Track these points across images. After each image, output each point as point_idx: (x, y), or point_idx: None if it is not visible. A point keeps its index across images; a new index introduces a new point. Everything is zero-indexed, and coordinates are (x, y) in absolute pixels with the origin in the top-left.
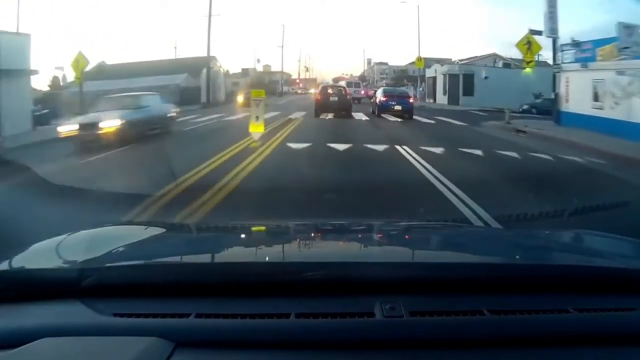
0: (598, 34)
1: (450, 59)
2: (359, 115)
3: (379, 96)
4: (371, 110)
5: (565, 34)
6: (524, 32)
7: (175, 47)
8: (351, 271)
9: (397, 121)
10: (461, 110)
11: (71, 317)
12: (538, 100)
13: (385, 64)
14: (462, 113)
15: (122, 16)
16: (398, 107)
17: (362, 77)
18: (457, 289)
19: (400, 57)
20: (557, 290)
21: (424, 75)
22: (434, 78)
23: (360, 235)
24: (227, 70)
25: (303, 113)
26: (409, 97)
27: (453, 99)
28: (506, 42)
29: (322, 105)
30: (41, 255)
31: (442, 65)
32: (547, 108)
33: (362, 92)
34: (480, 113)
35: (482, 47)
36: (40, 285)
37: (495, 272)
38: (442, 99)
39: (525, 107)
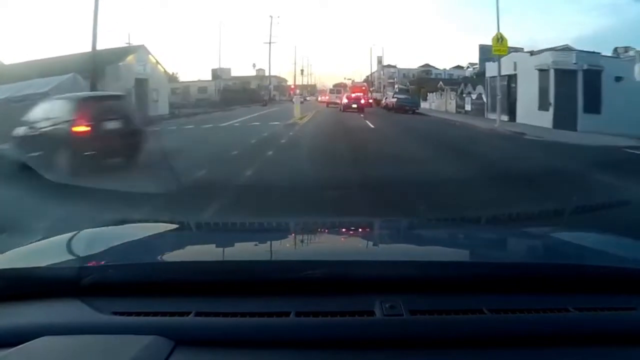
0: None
1: (522, 49)
2: None
3: (344, 100)
4: (339, 109)
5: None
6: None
7: (128, 42)
8: (351, 270)
9: None
10: (619, 147)
11: (71, 315)
12: None
13: (394, 66)
14: None
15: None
16: (354, 106)
17: (369, 82)
18: (457, 288)
19: (409, 59)
20: (557, 290)
21: (484, 74)
22: (510, 78)
23: (360, 234)
24: (172, 73)
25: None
26: (361, 100)
27: (565, 118)
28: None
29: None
30: (41, 254)
31: (531, 54)
32: None
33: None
34: None
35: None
36: (40, 283)
37: (495, 271)
38: (535, 116)
39: None
